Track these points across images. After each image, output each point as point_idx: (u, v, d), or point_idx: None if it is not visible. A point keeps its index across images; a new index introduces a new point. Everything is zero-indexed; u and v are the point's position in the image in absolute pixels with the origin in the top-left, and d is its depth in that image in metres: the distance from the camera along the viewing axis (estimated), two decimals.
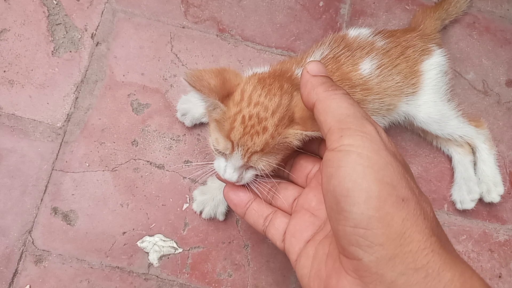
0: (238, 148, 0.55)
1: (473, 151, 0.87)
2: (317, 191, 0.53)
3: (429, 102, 0.80)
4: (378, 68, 0.75)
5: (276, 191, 0.57)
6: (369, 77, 0.74)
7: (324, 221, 0.50)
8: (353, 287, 0.39)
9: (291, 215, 0.55)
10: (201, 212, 0.81)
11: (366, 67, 0.74)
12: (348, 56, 0.74)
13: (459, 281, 0.34)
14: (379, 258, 0.36)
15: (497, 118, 0.92)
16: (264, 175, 0.57)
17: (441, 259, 0.35)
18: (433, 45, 0.83)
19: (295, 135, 0.54)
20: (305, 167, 0.57)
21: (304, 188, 0.56)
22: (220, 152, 0.57)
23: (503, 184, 0.85)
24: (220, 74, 0.57)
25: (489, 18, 0.97)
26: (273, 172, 0.57)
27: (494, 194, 0.84)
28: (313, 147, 0.57)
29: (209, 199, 0.80)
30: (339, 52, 0.74)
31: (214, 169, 0.60)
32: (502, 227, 0.87)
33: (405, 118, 0.82)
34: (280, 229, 0.54)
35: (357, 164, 0.37)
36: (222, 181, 0.60)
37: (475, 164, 0.87)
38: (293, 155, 0.59)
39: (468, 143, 0.86)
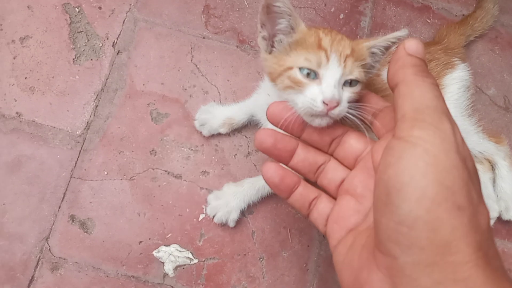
0: (332, 54, 0.52)
1: (493, 168, 0.86)
2: (363, 176, 0.49)
3: None
4: None
5: (324, 170, 0.52)
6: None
7: (369, 210, 0.47)
8: (382, 284, 0.37)
9: (335, 198, 0.52)
10: (213, 217, 0.81)
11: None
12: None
13: None
14: (416, 262, 0.34)
15: None
16: (353, 108, 0.52)
17: (485, 275, 0.33)
18: (456, 59, 0.82)
19: (367, 45, 0.54)
20: (355, 148, 0.52)
21: (350, 169, 0.52)
22: (311, 70, 0.53)
23: None
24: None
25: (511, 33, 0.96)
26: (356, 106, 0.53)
27: None
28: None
29: (222, 204, 0.80)
30: None
31: (301, 106, 0.52)
32: None
33: None
34: (323, 213, 0.51)
35: (421, 159, 0.35)
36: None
37: (494, 181, 0.86)
38: (342, 129, 0.54)
39: (488, 160, 0.85)
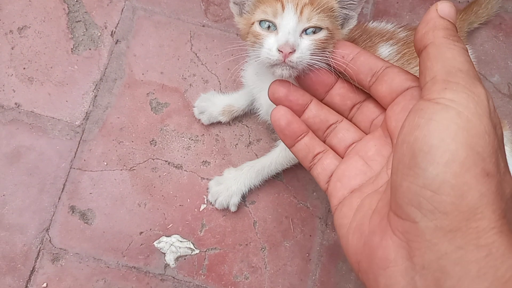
0: (288, 4, 0.53)
1: None
2: (379, 141, 0.48)
3: None
4: (397, 54, 0.73)
5: (335, 130, 0.52)
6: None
7: (377, 174, 0.46)
8: (397, 249, 0.36)
9: (343, 158, 0.51)
10: (215, 202, 0.81)
11: (385, 51, 0.72)
12: (365, 40, 0.73)
13: None
14: (438, 227, 0.33)
15: None
16: (320, 56, 0.53)
17: (509, 242, 0.32)
18: None
19: None
20: (373, 112, 0.51)
21: (366, 134, 0.51)
22: (269, 22, 0.54)
23: None
24: None
25: None
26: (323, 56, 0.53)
27: None
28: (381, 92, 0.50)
29: (223, 189, 0.80)
30: (355, 35, 0.73)
31: (261, 58, 0.55)
32: None
33: None
34: (328, 170, 0.50)
35: (452, 122, 0.34)
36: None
37: None
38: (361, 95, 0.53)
39: None
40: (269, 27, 0.55)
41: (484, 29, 0.93)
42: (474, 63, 0.80)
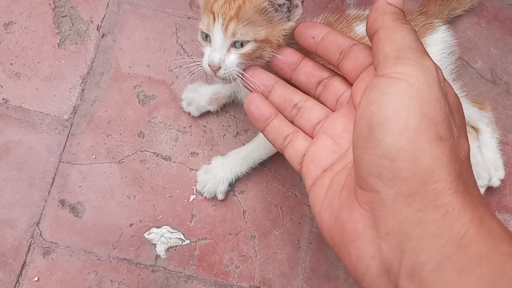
0: (218, 18, 0.55)
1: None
2: (345, 118, 0.50)
3: None
4: None
5: (301, 109, 0.54)
6: (365, 39, 0.73)
7: (346, 151, 0.48)
8: (364, 220, 0.38)
9: (312, 138, 0.52)
10: (203, 191, 0.82)
11: (361, 28, 0.73)
12: (342, 22, 0.74)
13: (478, 222, 0.33)
14: (398, 193, 0.35)
15: (506, 108, 0.91)
16: (248, 61, 0.57)
17: (464, 201, 0.34)
18: (436, 20, 0.82)
19: (255, 3, 0.55)
20: (339, 90, 0.52)
21: (332, 111, 0.53)
22: (205, 33, 0.58)
23: (504, 169, 0.85)
24: None
25: (497, 6, 0.96)
26: (259, 60, 0.57)
27: (495, 178, 0.84)
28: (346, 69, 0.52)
29: (210, 177, 0.80)
30: (333, 20, 0.74)
31: (201, 64, 0.61)
32: None
33: None
34: (299, 151, 0.52)
35: (404, 93, 0.36)
36: (210, 75, 0.59)
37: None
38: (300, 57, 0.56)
39: (473, 128, 0.86)
40: (207, 36, 0.58)
41: (467, 16, 0.95)
42: (457, 49, 0.81)
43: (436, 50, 0.79)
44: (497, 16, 0.95)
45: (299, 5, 0.58)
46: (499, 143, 0.87)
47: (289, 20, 0.58)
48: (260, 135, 0.80)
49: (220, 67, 0.57)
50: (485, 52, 0.94)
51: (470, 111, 0.83)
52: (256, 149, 0.80)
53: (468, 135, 0.83)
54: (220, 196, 0.81)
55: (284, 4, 0.57)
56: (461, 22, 0.95)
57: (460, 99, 0.81)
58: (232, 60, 0.57)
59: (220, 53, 0.56)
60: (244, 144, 0.86)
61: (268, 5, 0.56)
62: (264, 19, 0.56)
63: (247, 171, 0.82)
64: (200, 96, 0.82)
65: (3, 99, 0.83)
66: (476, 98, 0.87)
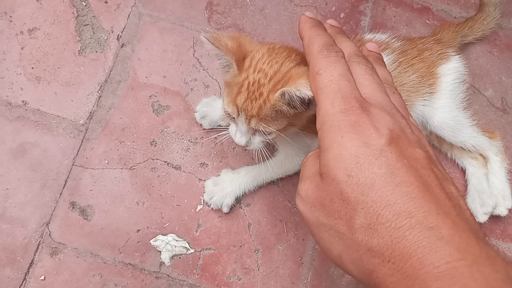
0: (241, 113, 0.60)
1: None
2: None
3: (445, 107, 0.81)
4: (393, 63, 0.76)
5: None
6: None
7: None
8: None
9: None
10: (210, 200, 0.83)
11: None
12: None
13: None
14: None
15: None
16: (273, 142, 0.63)
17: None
18: (450, 50, 0.83)
19: (277, 97, 0.57)
20: None
21: None
22: (230, 115, 0.63)
23: None
24: (236, 39, 0.60)
25: (510, 36, 0.97)
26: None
27: (502, 207, 0.84)
28: None
29: (218, 190, 0.82)
30: None
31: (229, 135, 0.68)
32: None
33: (420, 122, 0.82)
34: None
35: None
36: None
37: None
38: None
39: (482, 155, 0.86)
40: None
41: (479, 44, 0.96)
42: (468, 77, 0.83)
43: (449, 79, 0.80)
44: (509, 46, 0.97)
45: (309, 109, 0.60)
46: (507, 172, 0.87)
47: (309, 109, 0.60)
48: (275, 158, 0.82)
49: (248, 145, 0.65)
50: (496, 80, 0.95)
51: (480, 140, 0.83)
52: (269, 171, 0.81)
53: (475, 161, 0.85)
54: (225, 209, 0.83)
55: (302, 101, 0.58)
56: (474, 49, 0.96)
57: (471, 127, 0.82)
58: (258, 141, 0.65)
59: (246, 137, 0.64)
60: (252, 158, 0.87)
61: (287, 105, 0.58)
62: (285, 114, 0.59)
63: (255, 188, 0.83)
64: (214, 111, 0.84)
65: (23, 101, 0.86)
66: (486, 127, 0.88)
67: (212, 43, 0.58)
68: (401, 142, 0.40)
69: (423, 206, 0.36)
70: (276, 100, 0.57)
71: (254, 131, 0.63)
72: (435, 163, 0.41)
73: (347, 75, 0.44)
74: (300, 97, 0.54)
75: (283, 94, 0.56)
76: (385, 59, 0.74)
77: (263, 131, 0.61)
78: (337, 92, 0.42)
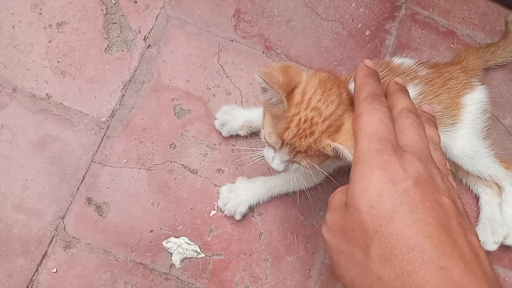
0: (286, 146, 0.60)
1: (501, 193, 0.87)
2: None
3: (465, 136, 0.81)
4: (420, 95, 0.76)
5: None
6: None
7: None
8: None
9: None
10: (223, 206, 0.84)
11: (411, 91, 0.75)
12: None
13: None
14: None
15: None
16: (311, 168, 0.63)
17: None
18: (475, 80, 0.84)
19: (327, 145, 0.58)
20: None
21: None
22: (270, 145, 0.63)
23: None
24: (286, 71, 0.60)
25: None
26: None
27: None
28: None
29: (233, 197, 0.83)
30: (384, 74, 0.76)
31: (263, 156, 0.69)
32: None
33: None
34: None
35: None
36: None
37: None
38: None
39: (497, 184, 0.87)
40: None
41: (501, 71, 0.96)
42: (488, 99, 0.83)
43: (472, 109, 0.81)
44: None
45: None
46: None
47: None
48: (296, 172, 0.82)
49: (283, 171, 0.66)
50: None
51: (497, 170, 0.84)
52: (286, 184, 0.82)
53: (490, 190, 0.85)
54: (237, 217, 0.84)
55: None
56: (495, 77, 0.96)
57: (489, 157, 0.83)
58: (294, 167, 0.66)
59: (284, 165, 0.64)
60: (268, 168, 0.88)
61: (332, 152, 0.59)
62: (325, 155, 0.61)
63: (268, 199, 0.84)
64: (234, 120, 0.85)
65: (46, 94, 0.87)
66: (503, 156, 0.88)
67: (267, 83, 0.56)
68: (428, 187, 0.42)
69: (437, 246, 0.37)
70: (326, 146, 0.58)
71: (293, 161, 0.64)
72: (461, 214, 0.43)
73: (387, 122, 0.47)
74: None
75: (329, 145, 0.58)
76: (413, 91, 0.75)
77: (304, 165, 0.62)
78: (374, 133, 0.45)
